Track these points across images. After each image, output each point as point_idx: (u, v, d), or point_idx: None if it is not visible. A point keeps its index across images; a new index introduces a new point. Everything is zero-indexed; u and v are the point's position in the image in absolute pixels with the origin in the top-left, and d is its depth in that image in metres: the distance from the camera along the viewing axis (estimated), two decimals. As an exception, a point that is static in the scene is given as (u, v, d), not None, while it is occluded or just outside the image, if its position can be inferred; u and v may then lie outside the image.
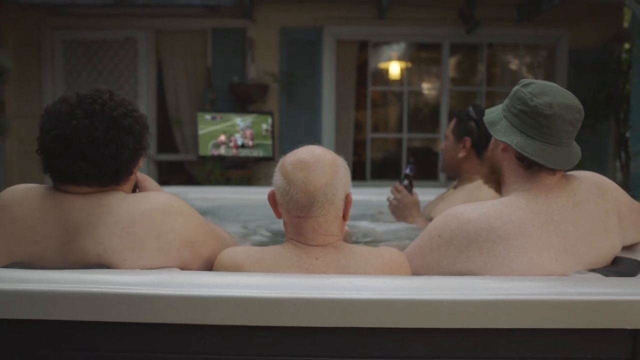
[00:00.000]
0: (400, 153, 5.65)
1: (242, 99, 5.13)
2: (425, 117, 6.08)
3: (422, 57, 6.17)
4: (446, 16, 5.17)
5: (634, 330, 1.18)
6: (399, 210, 2.28)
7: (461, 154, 2.23)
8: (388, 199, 2.32)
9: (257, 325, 1.17)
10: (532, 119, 1.41)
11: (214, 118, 5.04)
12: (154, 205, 1.34)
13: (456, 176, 2.35)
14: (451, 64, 5.80)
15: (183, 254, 1.34)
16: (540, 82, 1.47)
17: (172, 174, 5.37)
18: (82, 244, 1.29)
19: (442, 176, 5.25)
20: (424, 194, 2.49)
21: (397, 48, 5.93)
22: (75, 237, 1.30)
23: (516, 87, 1.47)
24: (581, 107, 1.44)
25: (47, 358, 1.21)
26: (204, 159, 5.03)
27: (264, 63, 5.22)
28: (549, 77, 5.57)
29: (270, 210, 1.42)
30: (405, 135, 5.62)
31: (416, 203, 2.27)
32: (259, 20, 5.21)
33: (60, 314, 1.19)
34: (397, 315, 1.17)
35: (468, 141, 2.21)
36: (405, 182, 2.29)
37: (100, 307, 1.18)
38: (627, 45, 4.84)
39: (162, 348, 1.20)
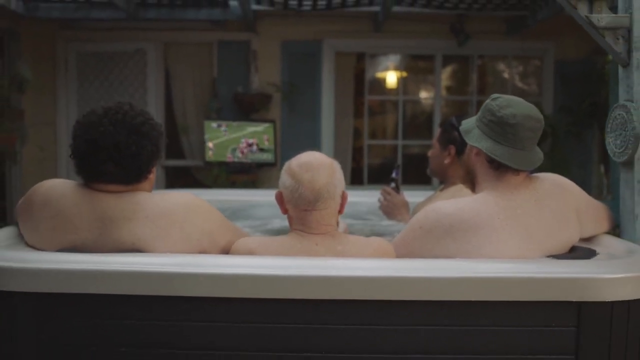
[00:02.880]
0: (396, 159, 5.77)
1: (246, 108, 5.26)
2: (420, 124, 6.21)
3: (416, 68, 6.27)
4: (439, 30, 5.28)
5: (579, 302, 1.37)
6: (390, 209, 2.48)
7: (447, 161, 2.40)
8: (379, 200, 2.55)
9: (268, 297, 1.36)
10: (499, 127, 1.62)
11: (219, 126, 5.20)
12: (177, 203, 1.55)
13: (442, 180, 2.53)
14: (444, 74, 5.93)
15: (202, 243, 1.54)
16: (506, 96, 1.68)
17: (179, 179, 5.43)
18: (118, 234, 1.49)
19: (435, 180, 5.46)
20: (415, 196, 2.65)
21: (393, 59, 6.05)
22: (112, 228, 1.50)
23: (487, 101, 1.69)
24: (541, 117, 1.66)
25: (96, 327, 1.38)
26: (211, 165, 5.21)
27: (266, 74, 5.35)
28: (537, 87, 5.76)
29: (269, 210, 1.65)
30: (400, 142, 5.76)
31: (405, 203, 2.47)
32: (262, 33, 5.34)
33: (107, 289, 1.37)
34: (383, 289, 1.37)
35: (452, 149, 2.37)
36: (393, 184, 2.51)
37: (140, 283, 1.36)
38: (610, 57, 5.07)
39: (191, 317, 1.38)
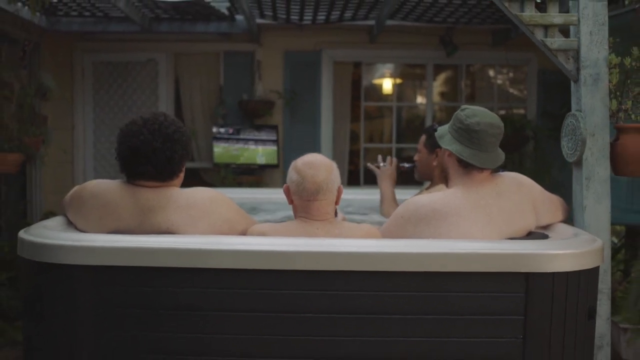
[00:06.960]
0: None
1: (250, 114, 5.44)
2: (413, 129, 6.45)
3: (409, 76, 6.51)
4: (429, 41, 5.46)
5: (527, 273, 1.62)
6: (380, 174, 2.84)
7: (434, 162, 2.68)
8: (380, 162, 2.88)
9: (279, 269, 1.60)
10: (466, 133, 1.93)
11: (226, 131, 5.46)
12: (204, 196, 1.84)
13: (429, 180, 2.82)
14: (435, 82, 6.13)
15: (223, 228, 1.83)
16: (473, 107, 1.99)
17: (188, 180, 5.75)
18: (155, 221, 1.77)
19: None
20: (405, 194, 2.92)
21: (387, 68, 6.29)
22: (150, 216, 1.78)
23: (457, 111, 2.00)
24: (501, 124, 1.95)
25: (140, 293, 1.62)
26: (218, 167, 5.42)
27: (269, 82, 5.54)
28: (522, 94, 5.94)
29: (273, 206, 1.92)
30: (394, 145, 5.94)
31: (393, 177, 2.83)
32: (265, 44, 5.54)
33: (149, 262, 1.62)
34: (371, 262, 1.61)
35: (439, 151, 2.60)
36: (404, 164, 2.89)
37: (176, 257, 1.61)
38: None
39: (217, 285, 1.62)
